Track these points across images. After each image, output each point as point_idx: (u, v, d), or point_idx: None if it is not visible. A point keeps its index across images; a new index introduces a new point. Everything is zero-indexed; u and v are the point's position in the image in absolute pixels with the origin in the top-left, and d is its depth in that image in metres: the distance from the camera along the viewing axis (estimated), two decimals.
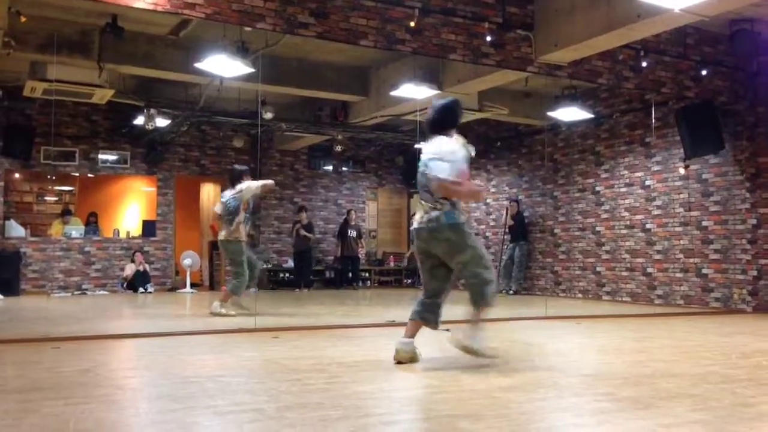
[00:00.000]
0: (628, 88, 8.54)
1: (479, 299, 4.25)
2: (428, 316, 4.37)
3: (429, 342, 5.43)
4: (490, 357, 4.25)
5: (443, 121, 4.46)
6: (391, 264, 14.36)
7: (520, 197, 12.28)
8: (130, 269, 11.63)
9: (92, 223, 12.30)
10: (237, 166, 8.01)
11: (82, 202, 13.86)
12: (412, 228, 4.42)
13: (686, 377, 3.90)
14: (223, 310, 7.20)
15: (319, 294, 11.67)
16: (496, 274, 4.88)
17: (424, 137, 4.61)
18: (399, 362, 4.25)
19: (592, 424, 2.86)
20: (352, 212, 13.42)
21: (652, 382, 3.74)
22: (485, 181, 13.23)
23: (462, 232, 4.24)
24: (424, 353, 4.51)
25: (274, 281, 12.91)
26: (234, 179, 7.58)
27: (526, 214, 12.13)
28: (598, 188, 10.86)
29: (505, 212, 12.37)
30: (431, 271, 4.36)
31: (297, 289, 12.28)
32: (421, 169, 4.36)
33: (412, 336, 4.35)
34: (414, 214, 4.48)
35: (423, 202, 4.33)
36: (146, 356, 4.86)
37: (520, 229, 11.88)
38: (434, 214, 4.23)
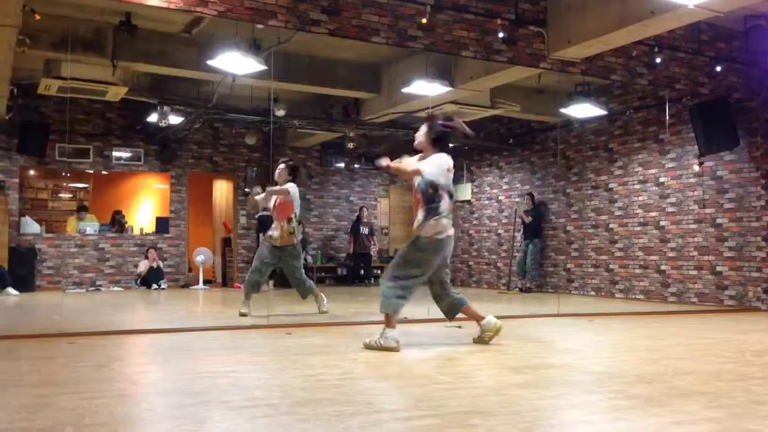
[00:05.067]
0: (641, 84, 8.49)
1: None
2: None
3: (442, 339, 5.43)
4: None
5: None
6: None
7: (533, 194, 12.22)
8: (143, 266, 11.71)
9: (118, 221, 12.43)
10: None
11: (97, 199, 13.97)
12: (446, 236, 4.76)
13: (700, 375, 3.88)
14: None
15: (331, 291, 11.69)
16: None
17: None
18: None
19: (604, 422, 2.86)
20: (365, 209, 13.43)
21: (665, 379, 3.72)
22: (497, 178, 13.21)
23: None
24: (437, 351, 4.51)
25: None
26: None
27: (541, 210, 12.03)
28: (611, 185, 10.81)
29: (518, 208, 12.33)
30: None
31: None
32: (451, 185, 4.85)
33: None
34: (438, 220, 4.73)
35: (449, 214, 4.76)
36: (160, 352, 4.90)
37: (534, 225, 11.81)
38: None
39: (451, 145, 5.13)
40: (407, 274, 4.76)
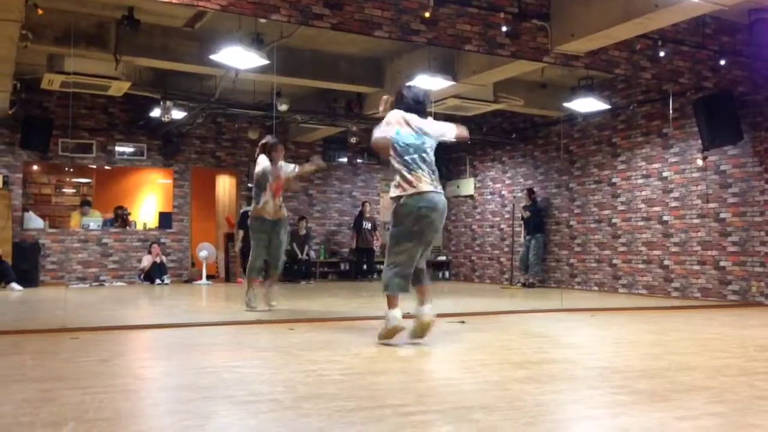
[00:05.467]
0: (645, 78, 8.47)
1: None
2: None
3: (444, 335, 5.43)
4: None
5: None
6: None
7: (535, 189, 12.21)
8: (147, 261, 11.73)
9: (121, 216, 12.45)
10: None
11: (100, 194, 14.00)
12: (405, 197, 4.60)
13: (703, 370, 3.87)
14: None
15: (334, 285, 11.71)
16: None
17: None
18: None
19: (607, 417, 2.85)
20: (367, 204, 13.42)
21: (669, 374, 3.72)
22: (500, 173, 13.20)
23: None
24: (440, 347, 4.50)
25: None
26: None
27: (542, 205, 12.04)
28: (614, 180, 10.79)
29: (516, 203, 12.32)
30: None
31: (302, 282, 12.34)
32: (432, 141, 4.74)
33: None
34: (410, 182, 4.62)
35: (408, 172, 4.63)
36: (163, 347, 4.91)
37: (535, 220, 11.80)
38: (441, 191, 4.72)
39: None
40: (395, 251, 4.67)
